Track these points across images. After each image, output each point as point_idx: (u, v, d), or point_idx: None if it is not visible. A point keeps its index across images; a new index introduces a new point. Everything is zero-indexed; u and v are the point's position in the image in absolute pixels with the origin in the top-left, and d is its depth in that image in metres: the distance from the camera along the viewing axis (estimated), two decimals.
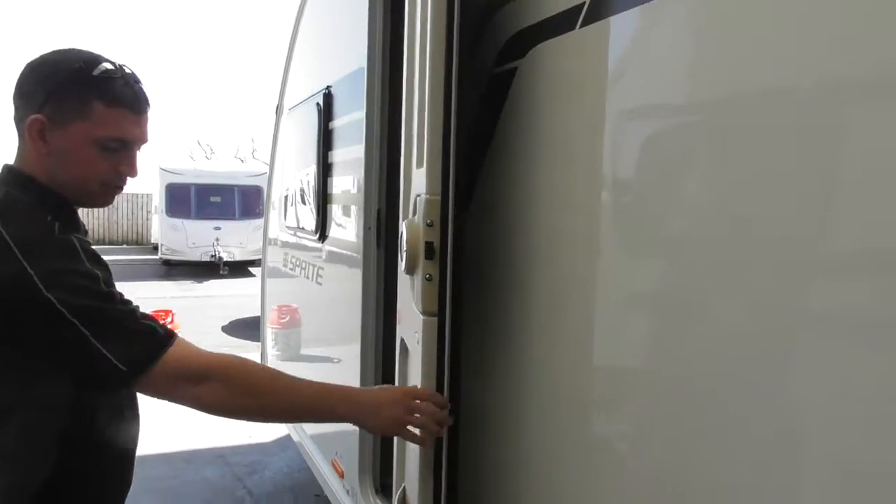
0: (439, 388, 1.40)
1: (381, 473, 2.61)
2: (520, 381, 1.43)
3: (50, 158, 1.18)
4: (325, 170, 3.06)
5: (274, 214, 4.33)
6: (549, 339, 1.36)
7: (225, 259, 13.83)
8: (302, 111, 3.47)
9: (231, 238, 14.33)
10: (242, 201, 15.21)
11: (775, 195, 0.89)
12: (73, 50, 1.21)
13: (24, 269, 1.07)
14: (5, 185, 1.19)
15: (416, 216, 1.46)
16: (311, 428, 3.36)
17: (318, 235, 3.14)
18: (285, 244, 3.98)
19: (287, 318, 4.18)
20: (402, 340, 1.77)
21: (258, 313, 4.78)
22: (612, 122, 1.23)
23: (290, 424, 3.63)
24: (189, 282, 13.11)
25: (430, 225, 1.39)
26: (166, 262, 14.73)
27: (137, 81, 1.22)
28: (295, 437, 3.57)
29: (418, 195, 1.49)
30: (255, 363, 1.37)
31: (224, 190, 15.27)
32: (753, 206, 0.93)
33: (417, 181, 1.53)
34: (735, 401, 0.94)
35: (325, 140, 3.03)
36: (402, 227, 1.48)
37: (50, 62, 1.20)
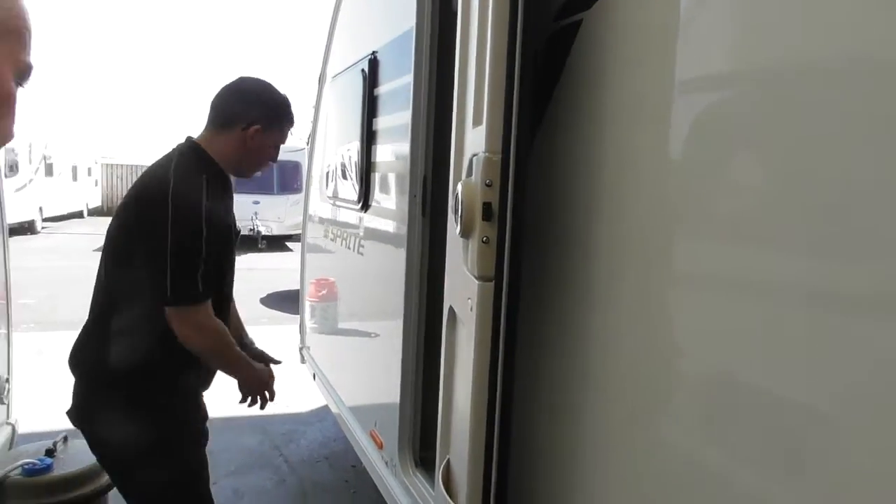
0: (494, 357, 1.34)
1: (420, 446, 2.58)
2: (578, 355, 1.35)
3: (241, 151, 1.88)
4: (368, 137, 2.99)
5: (315, 187, 4.30)
6: (611, 311, 1.27)
7: (263, 233, 13.94)
8: (346, 79, 3.41)
9: (269, 212, 14.43)
10: (281, 176, 15.26)
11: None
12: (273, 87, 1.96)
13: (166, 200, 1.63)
14: (191, 151, 1.83)
15: (473, 176, 1.39)
16: (350, 399, 3.34)
17: (360, 205, 3.09)
18: (325, 216, 3.95)
19: (326, 291, 4.16)
20: (451, 309, 1.71)
21: (295, 286, 4.79)
22: (688, 81, 1.13)
23: (328, 396, 3.62)
24: None
25: (488, 185, 1.32)
26: None
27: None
28: (333, 409, 3.56)
29: (474, 155, 1.41)
30: (229, 339, 1.83)
31: None
32: (860, 172, 0.82)
33: (473, 140, 1.45)
34: (827, 402, 0.85)
35: (370, 107, 2.97)
36: (459, 189, 1.40)
37: (267, 90, 1.93)
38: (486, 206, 1.32)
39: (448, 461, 1.78)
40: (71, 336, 1.84)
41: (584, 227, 1.32)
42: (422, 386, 2.55)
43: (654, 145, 1.18)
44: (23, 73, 0.70)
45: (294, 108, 2.01)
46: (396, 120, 2.70)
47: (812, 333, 0.87)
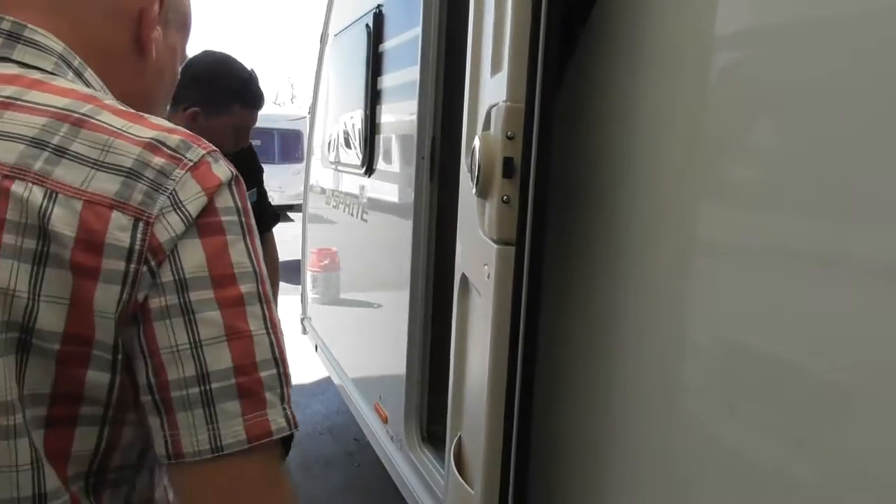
0: (514, 329, 1.21)
1: (427, 421, 2.48)
2: (607, 328, 1.22)
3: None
4: (373, 98, 2.84)
5: (316, 153, 4.15)
6: (645, 279, 1.14)
7: None
8: (349, 35, 3.24)
9: (271, 182, 14.10)
10: (282, 145, 15.04)
11: None
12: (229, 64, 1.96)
13: None
14: None
15: (492, 129, 1.25)
16: (353, 370, 3.24)
17: (364, 168, 2.95)
18: (327, 183, 3.81)
19: (328, 261, 4.04)
20: (464, 277, 1.58)
21: (296, 256, 4.66)
22: (746, 30, 0.99)
23: (331, 368, 3.52)
24: None
25: (510, 137, 1.18)
26: None
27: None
28: (336, 380, 3.46)
29: (494, 105, 1.27)
30: None
31: (264, 134, 15.07)
32: None
33: (493, 89, 1.31)
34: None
35: (375, 64, 2.81)
36: (475, 143, 1.27)
37: (216, 69, 1.91)
38: (507, 162, 1.18)
39: (460, 438, 1.67)
40: None
41: (619, 184, 1.19)
42: (429, 357, 2.44)
43: (705, 92, 1.04)
44: (182, 63, 0.78)
45: (259, 85, 1.94)
46: (403, 77, 2.54)
47: (873, 331, 0.74)
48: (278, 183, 14.53)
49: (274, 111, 16.07)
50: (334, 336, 3.66)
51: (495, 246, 1.23)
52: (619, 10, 1.21)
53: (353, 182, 3.24)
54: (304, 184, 4.34)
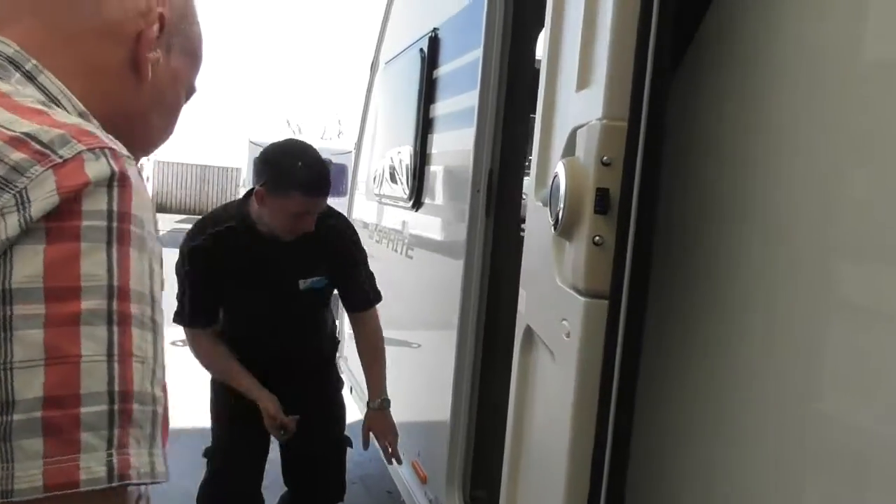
0: (603, 401, 0.95)
1: (471, 484, 2.20)
2: (723, 406, 0.96)
3: (261, 209, 2.01)
4: (425, 126, 2.65)
5: (361, 187, 3.98)
6: (775, 351, 0.88)
7: None
8: (402, 61, 3.08)
9: None
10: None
11: None
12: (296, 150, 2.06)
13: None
14: (233, 202, 2.27)
15: (582, 153, 1.02)
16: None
17: (412, 202, 2.74)
18: (371, 217, 3.62)
19: None
20: (530, 330, 1.34)
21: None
22: None
23: None
24: None
25: (606, 164, 0.94)
26: None
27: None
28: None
29: (581, 125, 1.04)
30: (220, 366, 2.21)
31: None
32: None
33: (579, 107, 1.08)
34: None
35: (428, 91, 2.62)
36: (559, 169, 1.03)
37: (283, 153, 2.03)
38: (602, 194, 0.94)
39: None
40: None
41: (746, 229, 0.93)
42: (475, 415, 2.18)
43: (857, 109, 0.79)
44: (189, 91, 0.77)
45: (323, 175, 1.99)
46: (459, 104, 2.34)
47: None
48: None
49: (321, 144, 16.19)
50: None
51: (581, 299, 0.98)
52: (743, 10, 0.97)
53: (398, 216, 3.04)
54: (348, 213, 4.16)
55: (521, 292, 1.43)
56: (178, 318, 2.13)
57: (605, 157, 0.94)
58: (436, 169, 2.59)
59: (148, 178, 21.49)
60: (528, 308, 1.35)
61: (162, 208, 19.93)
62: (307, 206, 1.95)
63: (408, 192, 2.79)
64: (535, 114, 1.40)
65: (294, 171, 1.92)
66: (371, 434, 2.27)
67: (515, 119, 2.13)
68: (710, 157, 1.02)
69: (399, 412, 2.87)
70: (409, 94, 2.82)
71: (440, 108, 2.56)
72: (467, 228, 2.12)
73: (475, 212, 2.12)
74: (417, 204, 2.71)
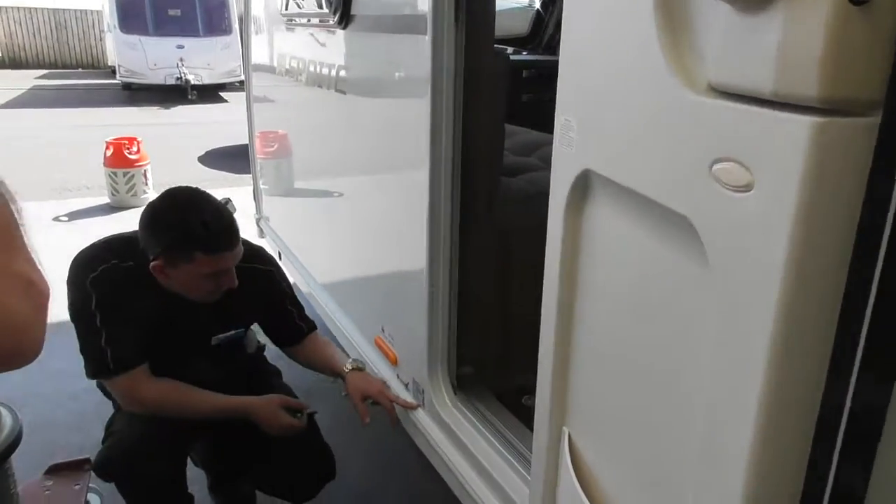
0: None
1: (457, 361, 1.83)
2: None
3: (167, 283, 1.71)
4: None
5: (258, 14, 3.20)
6: None
7: (192, 82, 12.29)
8: None
9: (197, 58, 12.64)
10: (206, 15, 13.33)
11: None
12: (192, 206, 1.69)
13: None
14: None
15: None
16: (342, 294, 2.53)
17: (337, 17, 2.10)
18: (283, 48, 2.92)
19: (276, 147, 3.22)
20: (589, 175, 0.88)
21: (236, 141, 3.80)
22: None
23: (302, 279, 2.81)
24: (154, 107, 11.61)
25: None
26: (127, 87, 13.04)
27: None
28: (304, 289, 2.76)
29: None
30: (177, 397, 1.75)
31: (184, 2, 13.32)
32: None
33: None
34: None
35: None
36: None
37: (176, 214, 1.68)
38: None
39: (569, 437, 1.04)
40: None
41: None
42: (458, 275, 1.76)
43: None
44: None
45: (225, 223, 1.66)
46: None
47: None
48: (206, 59, 13.02)
49: None
50: (304, 242, 2.92)
51: (801, 118, 0.51)
52: None
53: (320, 40, 2.39)
54: (243, 51, 3.42)
55: (561, 118, 0.95)
56: (102, 369, 1.68)
57: None
58: None
59: None
60: (584, 142, 0.87)
61: (17, 63, 17.25)
62: (217, 264, 1.66)
63: (331, 4, 2.13)
64: None
65: (190, 230, 1.61)
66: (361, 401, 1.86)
67: None
68: None
69: (357, 279, 2.40)
70: None
71: None
72: (431, 40, 1.56)
73: (439, 18, 1.55)
74: (344, 19, 2.08)
